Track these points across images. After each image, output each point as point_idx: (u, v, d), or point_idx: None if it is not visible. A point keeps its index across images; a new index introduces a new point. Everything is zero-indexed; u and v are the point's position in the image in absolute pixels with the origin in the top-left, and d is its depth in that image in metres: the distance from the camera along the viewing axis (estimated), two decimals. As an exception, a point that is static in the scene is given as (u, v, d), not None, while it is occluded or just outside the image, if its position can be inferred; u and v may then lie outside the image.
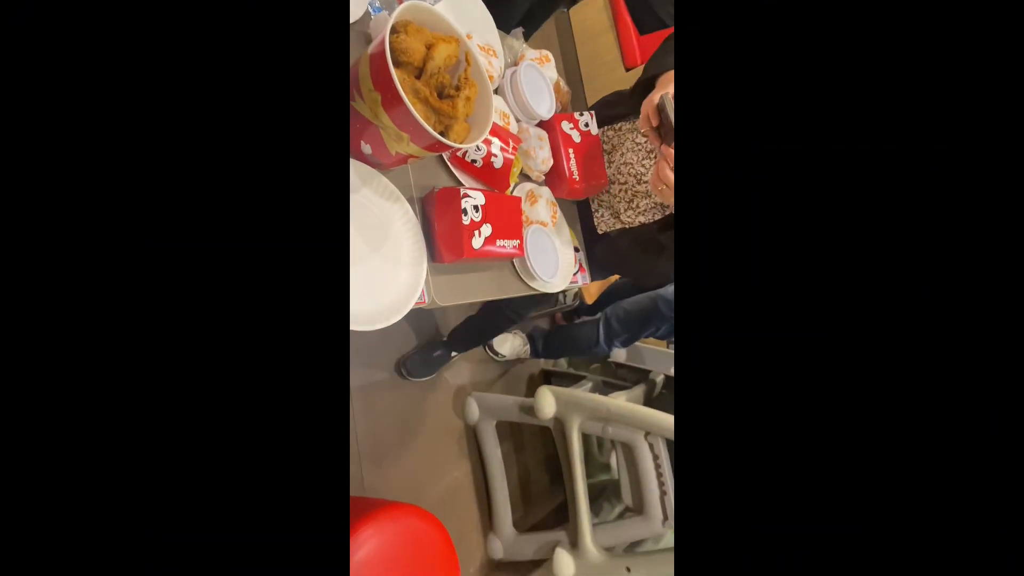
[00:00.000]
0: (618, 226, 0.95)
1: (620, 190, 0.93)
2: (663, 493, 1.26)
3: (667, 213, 0.90)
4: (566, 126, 0.90)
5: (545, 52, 0.93)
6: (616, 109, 0.95)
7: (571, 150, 0.90)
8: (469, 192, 0.68)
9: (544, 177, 0.91)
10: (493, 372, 1.70)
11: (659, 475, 1.27)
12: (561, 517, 1.46)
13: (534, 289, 0.85)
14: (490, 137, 0.75)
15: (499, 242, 0.70)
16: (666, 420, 1.21)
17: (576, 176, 0.90)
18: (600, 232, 0.97)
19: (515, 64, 0.89)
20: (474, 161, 0.75)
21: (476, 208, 0.67)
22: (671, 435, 1.21)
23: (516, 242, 0.74)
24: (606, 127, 0.96)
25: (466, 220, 0.66)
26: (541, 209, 0.87)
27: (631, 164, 0.92)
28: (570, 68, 2.05)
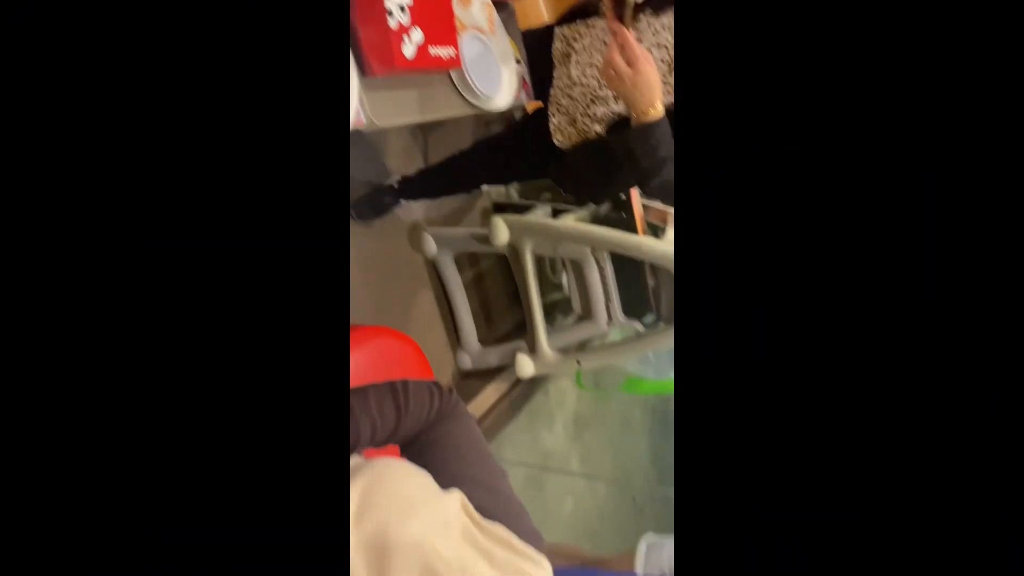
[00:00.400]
0: (574, 137, 0.89)
1: (580, 93, 0.87)
2: (608, 299, 1.42)
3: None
4: (497, -93, 0.79)
5: None
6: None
7: (504, -61, 0.80)
8: (393, -9, 0.62)
9: (477, -25, 0.82)
10: (445, 207, 1.72)
11: (604, 285, 1.41)
12: (521, 331, 1.64)
13: (477, 107, 0.84)
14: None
15: (432, 49, 0.67)
16: (610, 235, 1.30)
17: (512, -29, 0.82)
18: (557, 142, 0.92)
19: None
20: (395, -47, 0.67)
21: (402, 8, 0.62)
22: (615, 248, 1.32)
23: (451, 50, 0.70)
24: (580, 20, 0.86)
25: (392, 23, 0.62)
26: (476, 11, 0.80)
27: (597, 66, 0.84)
28: None
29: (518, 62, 0.92)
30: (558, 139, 0.93)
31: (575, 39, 0.89)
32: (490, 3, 0.83)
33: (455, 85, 0.80)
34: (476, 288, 1.79)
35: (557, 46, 0.91)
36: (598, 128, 0.88)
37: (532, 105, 1.00)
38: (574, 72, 0.88)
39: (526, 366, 1.52)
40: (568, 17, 0.91)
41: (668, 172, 0.77)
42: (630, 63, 0.68)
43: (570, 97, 0.89)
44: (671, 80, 0.81)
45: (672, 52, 0.80)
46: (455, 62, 0.71)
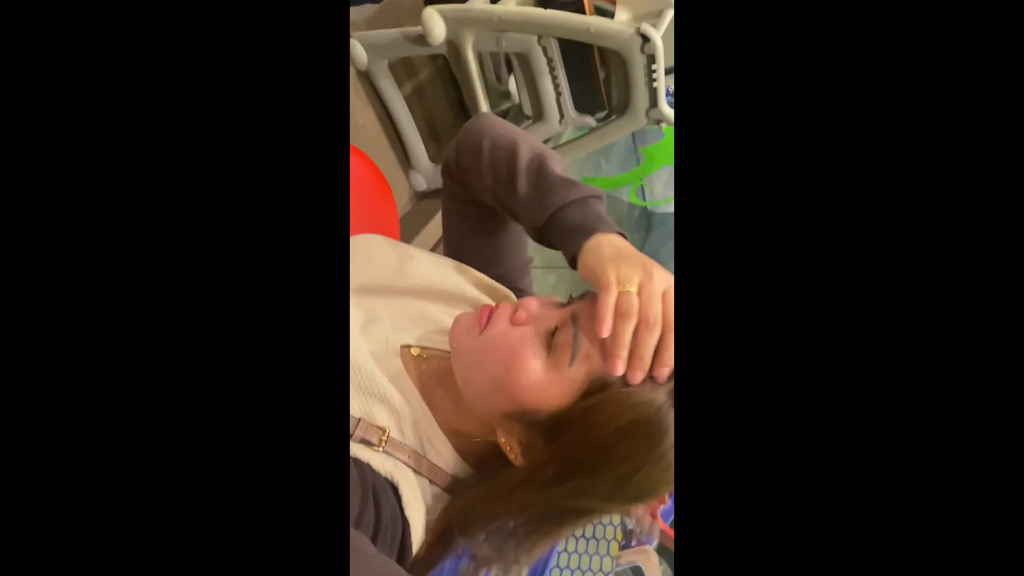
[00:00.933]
0: None
1: None
2: (558, 94, 1.37)
3: None
4: None
5: None
6: None
7: None
8: None
9: None
10: (368, 9, 1.50)
11: (554, 78, 1.34)
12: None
13: None
14: None
15: None
16: (556, 17, 1.19)
17: None
18: None
19: None
20: None
21: None
22: (562, 33, 1.22)
23: None
24: None
25: None
26: None
27: None
28: None
29: None
30: None
31: None
32: None
33: None
34: (419, 101, 1.66)
35: None
36: None
37: None
38: None
39: (482, 177, 1.51)
40: None
41: None
42: None
43: None
44: None
45: None
46: None
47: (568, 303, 0.45)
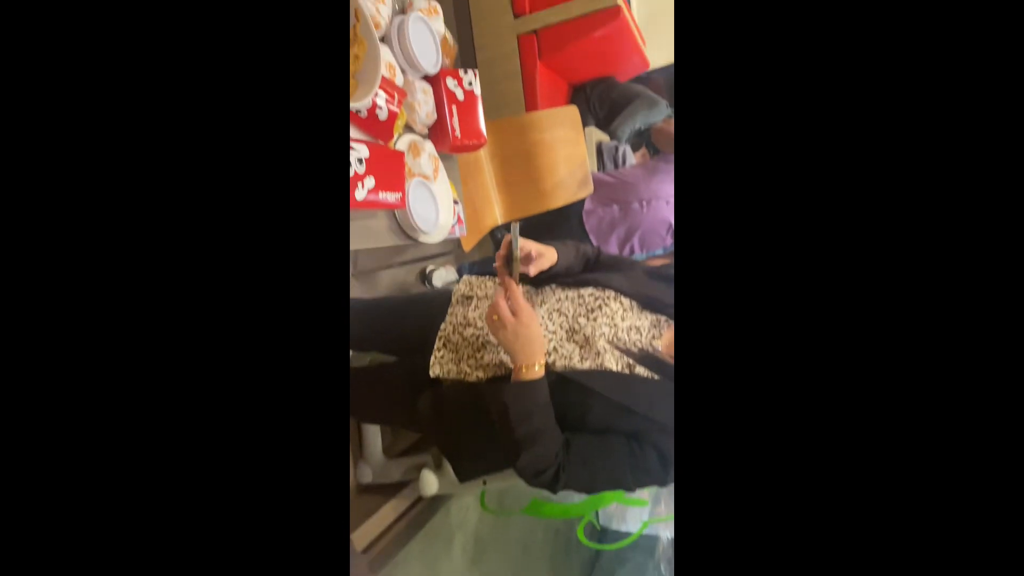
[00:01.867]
0: (454, 374, 0.82)
1: (472, 334, 0.83)
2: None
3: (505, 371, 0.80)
4: (451, 83, 0.94)
5: (434, 3, 0.95)
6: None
7: (454, 107, 0.95)
8: (354, 145, 0.70)
9: (427, 130, 0.94)
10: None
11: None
12: (427, 444, 1.60)
13: (414, 240, 0.91)
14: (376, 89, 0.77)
15: (382, 194, 0.75)
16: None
17: (458, 133, 0.95)
18: (432, 375, 0.82)
19: (403, 12, 0.89)
20: (358, 111, 0.77)
21: (360, 161, 0.71)
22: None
23: (398, 195, 0.79)
24: (487, 276, 0.91)
25: (350, 172, 0.69)
26: (424, 162, 0.91)
27: None
28: (461, 19, 2.01)
29: (456, 202, 1.03)
30: (435, 371, 0.83)
31: (480, 287, 0.89)
32: (436, 156, 0.95)
33: (397, 221, 0.88)
34: (387, 395, 1.75)
35: (460, 288, 0.91)
36: (480, 374, 0.81)
37: (464, 240, 1.08)
38: (471, 314, 0.84)
39: (430, 483, 1.47)
40: (479, 269, 0.96)
41: (541, 448, 0.70)
42: (514, 312, 0.69)
43: (461, 336, 0.84)
44: (566, 347, 0.77)
45: (571, 321, 0.79)
46: (400, 204, 0.80)
47: None
